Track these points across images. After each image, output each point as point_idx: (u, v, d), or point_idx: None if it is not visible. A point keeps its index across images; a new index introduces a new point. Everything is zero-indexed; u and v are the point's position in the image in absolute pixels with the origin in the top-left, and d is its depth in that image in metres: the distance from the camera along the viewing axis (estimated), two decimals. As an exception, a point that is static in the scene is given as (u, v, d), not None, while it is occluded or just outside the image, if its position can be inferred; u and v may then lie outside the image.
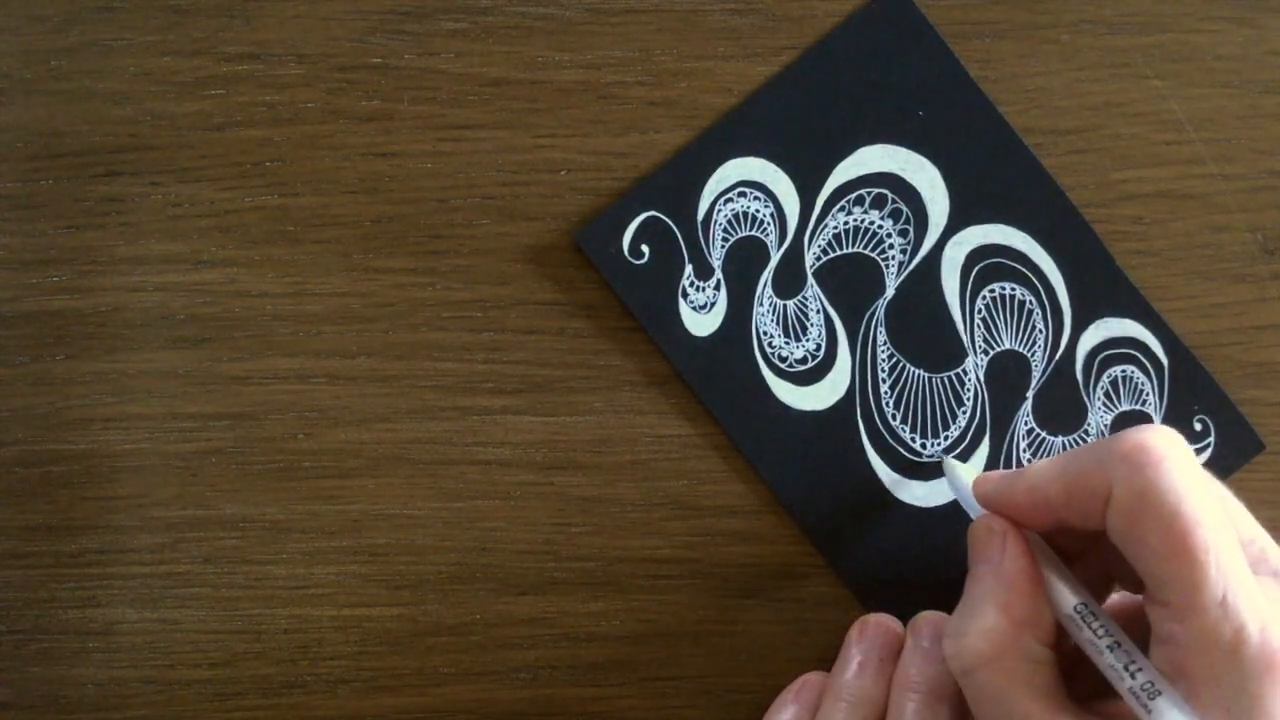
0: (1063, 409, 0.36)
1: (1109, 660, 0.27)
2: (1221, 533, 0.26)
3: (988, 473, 0.32)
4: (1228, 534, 0.26)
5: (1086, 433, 0.36)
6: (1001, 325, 0.36)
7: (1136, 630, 0.28)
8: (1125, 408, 0.36)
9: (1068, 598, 0.29)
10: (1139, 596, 0.31)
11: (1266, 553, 0.28)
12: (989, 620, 0.28)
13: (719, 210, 0.36)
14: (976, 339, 0.36)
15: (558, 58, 0.36)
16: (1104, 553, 0.31)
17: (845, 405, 0.36)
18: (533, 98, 0.36)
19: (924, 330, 0.36)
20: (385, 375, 0.36)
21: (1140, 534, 0.26)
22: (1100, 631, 0.28)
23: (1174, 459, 0.27)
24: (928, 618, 0.34)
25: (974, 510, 0.32)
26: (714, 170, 0.36)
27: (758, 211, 0.36)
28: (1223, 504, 0.28)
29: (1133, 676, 0.27)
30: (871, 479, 0.36)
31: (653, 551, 0.36)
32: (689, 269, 0.36)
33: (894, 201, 0.36)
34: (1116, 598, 0.32)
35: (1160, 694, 0.26)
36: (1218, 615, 0.26)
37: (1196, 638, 0.26)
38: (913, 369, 0.36)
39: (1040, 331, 0.36)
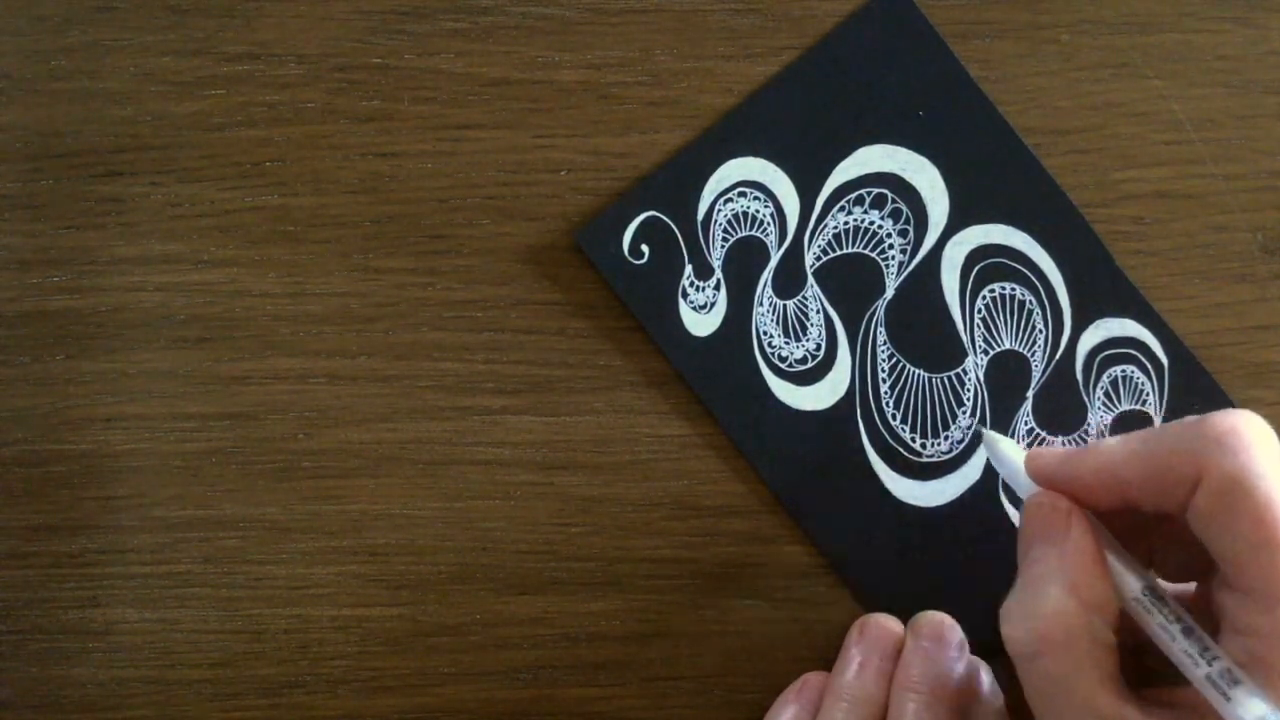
0: (1063, 409, 0.36)
1: (1182, 646, 0.27)
2: None
3: (1041, 449, 0.31)
4: None
5: (1086, 432, 0.36)
6: (1001, 325, 0.36)
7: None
8: (1125, 408, 0.36)
9: (1133, 582, 0.28)
10: (1180, 585, 0.31)
11: None
12: (1058, 602, 0.27)
13: (719, 210, 0.36)
14: (976, 339, 0.36)
15: (558, 58, 0.36)
16: (1149, 539, 0.31)
17: (845, 405, 0.36)
18: (533, 98, 0.36)
19: (924, 330, 0.36)
20: (385, 375, 0.36)
21: (1229, 520, 0.26)
22: (1170, 617, 0.27)
23: (1265, 445, 0.26)
24: (928, 618, 0.34)
25: (1023, 487, 0.31)
26: (714, 170, 0.36)
27: (758, 211, 0.36)
28: None
29: (1209, 664, 0.26)
30: (871, 479, 0.36)
31: (653, 551, 0.36)
32: (689, 269, 0.36)
33: (894, 201, 0.36)
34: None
35: (1239, 682, 0.26)
36: None
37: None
38: (913, 369, 0.36)
39: (1040, 331, 0.36)
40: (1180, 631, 0.27)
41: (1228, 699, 0.25)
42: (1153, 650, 0.28)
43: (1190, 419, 0.28)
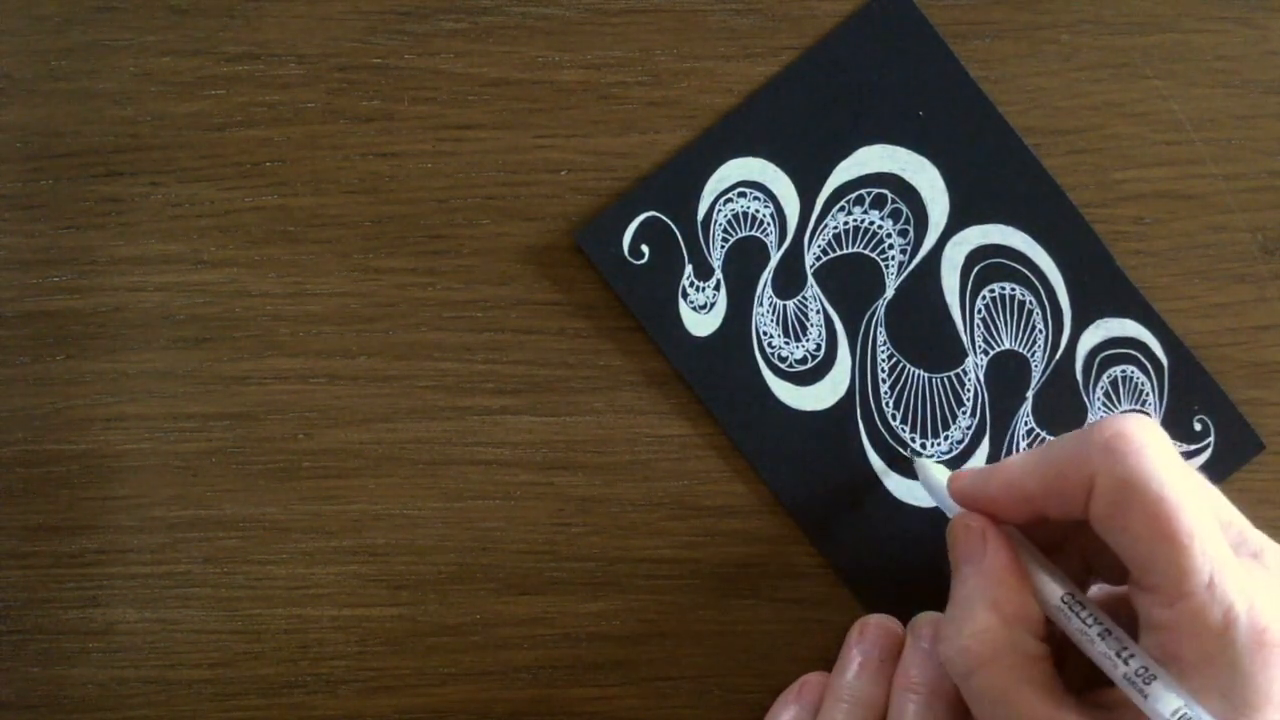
0: (1063, 409, 0.36)
1: (1101, 648, 0.27)
2: (1204, 516, 0.26)
3: (961, 470, 0.32)
4: (1210, 517, 0.26)
5: (1086, 433, 0.36)
6: (1001, 325, 0.36)
7: (1120, 621, 0.28)
8: (1125, 408, 0.36)
9: (1054, 589, 0.29)
10: (1118, 588, 0.31)
11: (1245, 535, 0.28)
12: (981, 621, 0.28)
13: (719, 210, 0.36)
14: (976, 339, 0.36)
15: (558, 58, 0.36)
16: (1081, 545, 0.31)
17: (845, 405, 0.36)
18: (533, 98, 0.36)
19: (924, 330, 0.36)
20: (385, 375, 0.36)
21: (1124, 521, 0.27)
22: (1089, 620, 0.28)
23: (1153, 445, 0.27)
24: (928, 618, 0.34)
25: (951, 510, 0.32)
26: (714, 170, 0.36)
27: (758, 211, 0.36)
28: (1201, 488, 0.28)
29: (1126, 663, 0.27)
30: (871, 479, 0.36)
31: (653, 551, 0.36)
32: (689, 269, 0.36)
33: (894, 201, 0.36)
34: (1095, 590, 0.32)
35: (1155, 678, 0.26)
36: (1205, 598, 0.26)
37: (1186, 621, 0.26)
38: (913, 369, 0.36)
39: (1040, 331, 0.36)
40: (1098, 634, 0.28)
41: (1145, 695, 0.26)
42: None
43: (1083, 428, 0.29)
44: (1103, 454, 0.27)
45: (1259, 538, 0.28)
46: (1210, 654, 0.26)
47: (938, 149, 0.36)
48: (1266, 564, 0.28)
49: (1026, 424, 0.36)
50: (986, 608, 0.28)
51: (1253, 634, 0.25)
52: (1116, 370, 0.36)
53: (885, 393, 0.36)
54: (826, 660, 0.35)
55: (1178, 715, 0.25)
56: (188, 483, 0.35)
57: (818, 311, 0.36)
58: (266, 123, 0.36)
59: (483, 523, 0.36)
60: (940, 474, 0.33)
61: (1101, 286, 0.36)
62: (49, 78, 0.36)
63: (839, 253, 0.36)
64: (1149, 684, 0.26)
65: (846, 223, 0.36)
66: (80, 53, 0.36)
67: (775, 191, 0.36)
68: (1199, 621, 0.26)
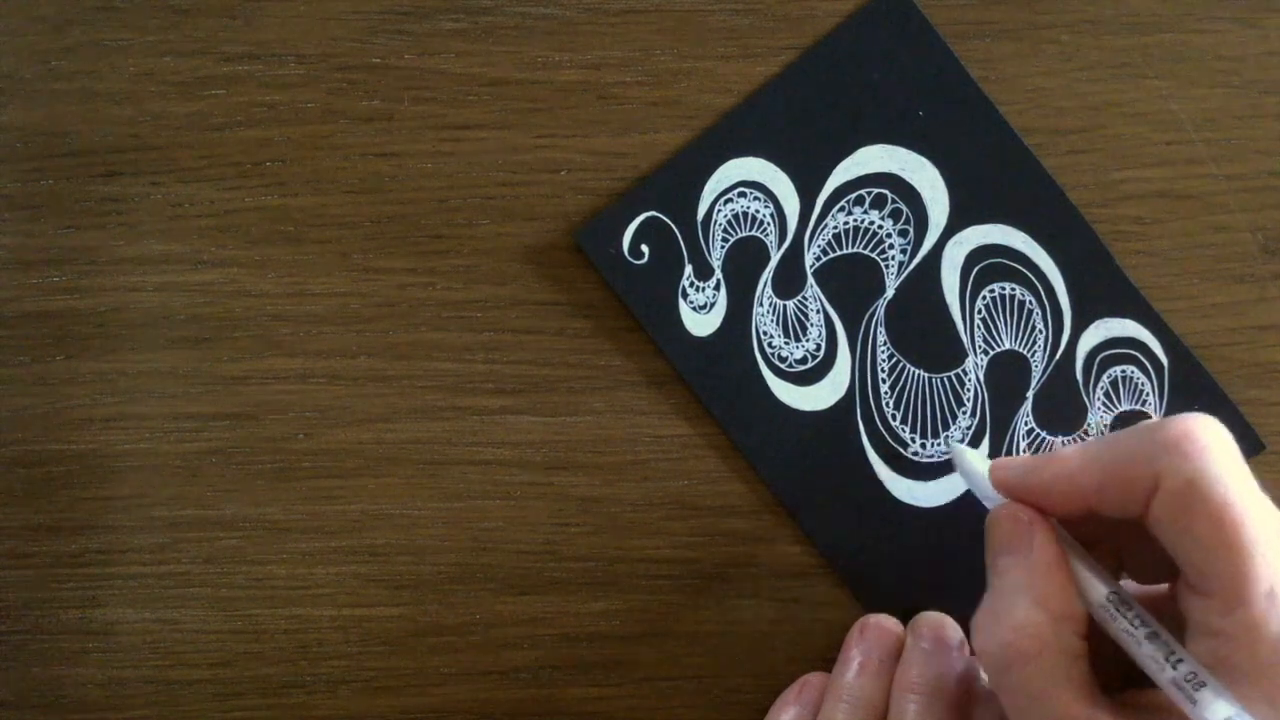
0: (1063, 409, 0.36)
1: (1148, 650, 0.27)
2: (1269, 525, 0.26)
3: (1005, 458, 0.31)
4: (1273, 526, 0.26)
5: (1086, 433, 0.36)
6: (1001, 325, 0.36)
7: (1160, 621, 0.28)
8: (1125, 408, 0.36)
9: (1099, 587, 0.28)
10: (1151, 587, 0.31)
11: None
12: (1026, 615, 0.28)
13: (719, 210, 0.36)
14: (976, 339, 0.36)
15: (558, 58, 0.36)
16: (1117, 542, 0.31)
17: (845, 405, 0.36)
18: (533, 98, 0.36)
19: (924, 330, 0.36)
20: (385, 375, 0.36)
21: (1187, 524, 0.26)
22: (1136, 622, 0.27)
23: (1220, 448, 0.26)
24: (928, 619, 0.34)
25: (989, 499, 0.31)
26: (714, 170, 0.36)
27: (758, 211, 0.36)
28: (1264, 499, 0.27)
29: (1174, 667, 0.26)
30: (871, 479, 0.36)
31: (653, 551, 0.36)
32: (689, 269, 0.36)
33: (894, 201, 0.36)
34: (1129, 587, 0.32)
35: (1205, 685, 0.26)
36: (1265, 607, 0.25)
37: (1242, 630, 0.25)
38: (913, 369, 0.36)
39: (1040, 331, 0.36)
40: (1145, 636, 0.27)
41: (1193, 702, 0.26)
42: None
43: (1146, 424, 0.28)
44: (1170, 454, 0.26)
45: None
46: (1265, 664, 0.25)
47: (938, 149, 0.36)
48: None
49: (1026, 424, 0.36)
50: (1031, 602, 0.28)
51: None
52: (1116, 370, 0.36)
53: (885, 393, 0.36)
54: (826, 660, 0.35)
55: None
56: (188, 483, 0.35)
57: (818, 311, 0.36)
58: (266, 123, 0.36)
59: (483, 523, 0.36)
60: (979, 461, 0.32)
61: (1101, 286, 0.36)
62: (49, 78, 0.36)
63: (839, 253, 0.36)
64: (1198, 690, 0.26)
65: (846, 223, 0.36)
66: (80, 53, 0.36)
67: (775, 191, 0.36)
68: (1257, 632, 0.25)
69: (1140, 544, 0.28)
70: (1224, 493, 0.26)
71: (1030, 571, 0.28)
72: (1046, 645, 0.27)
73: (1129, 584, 0.32)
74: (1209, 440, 0.27)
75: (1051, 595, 0.28)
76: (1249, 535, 0.25)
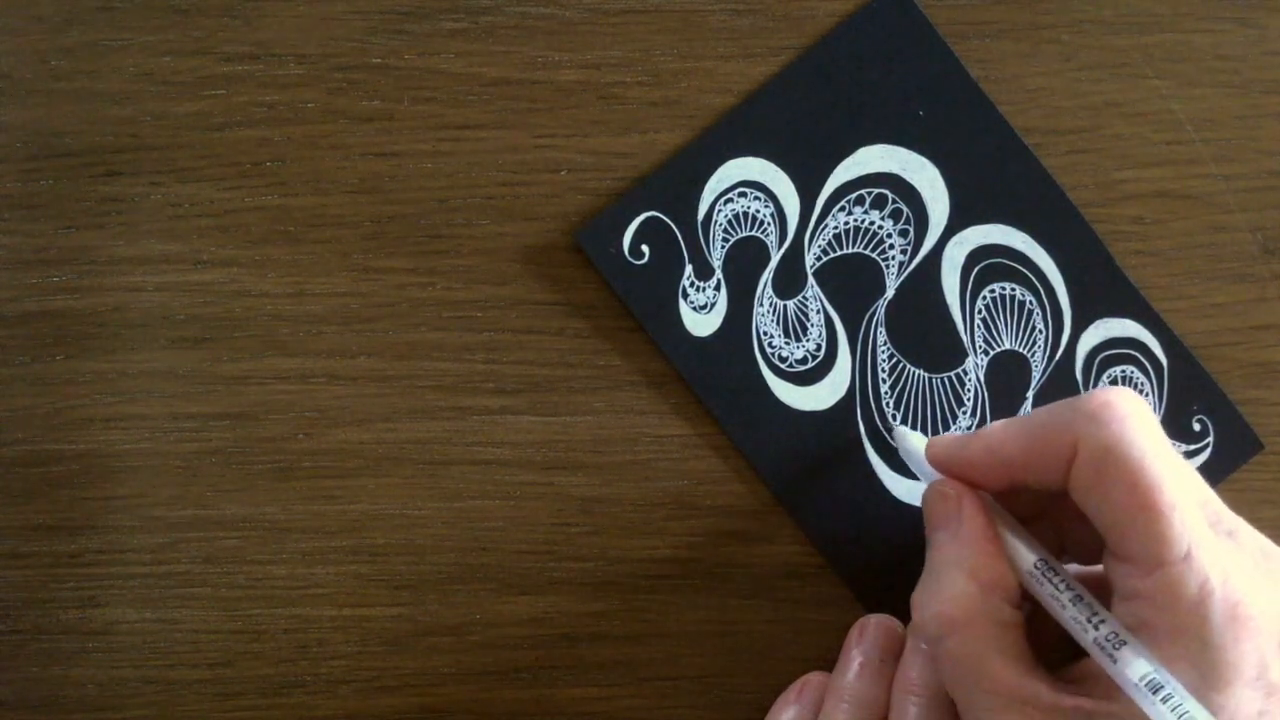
0: (1063, 409, 0.36)
1: (1071, 613, 0.28)
2: (1184, 489, 0.26)
3: (938, 436, 0.32)
4: (1189, 491, 0.27)
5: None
6: (1001, 325, 0.36)
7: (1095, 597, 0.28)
8: (1125, 408, 0.36)
9: (1027, 555, 0.29)
10: (1091, 568, 0.31)
11: (1220, 514, 0.28)
12: (956, 586, 0.28)
13: (719, 210, 0.36)
14: (976, 339, 0.36)
15: (558, 58, 0.36)
16: (1055, 520, 0.32)
17: (845, 405, 0.36)
18: (533, 98, 0.36)
19: (924, 330, 0.36)
20: (385, 375, 0.36)
21: (1105, 490, 0.27)
22: (1061, 586, 0.28)
23: (1137, 416, 0.27)
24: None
25: (928, 477, 0.32)
26: (714, 170, 0.36)
27: (758, 211, 0.36)
28: (1182, 464, 0.28)
29: (1096, 628, 0.27)
30: (871, 479, 0.36)
31: (653, 551, 0.36)
32: (689, 269, 0.36)
33: (894, 201, 0.36)
34: (1071, 570, 0.32)
35: (1125, 643, 0.26)
36: (1182, 569, 0.26)
37: (1161, 591, 0.26)
38: (913, 369, 0.36)
39: (1040, 331, 0.36)
40: (1070, 599, 0.28)
41: (1114, 660, 0.26)
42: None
43: (1069, 398, 0.29)
44: (1087, 421, 0.27)
45: (1233, 518, 0.28)
46: (1183, 625, 0.26)
47: (938, 149, 0.36)
48: (1241, 543, 0.28)
49: (1026, 424, 0.36)
50: (962, 574, 0.29)
51: (1226, 607, 0.26)
52: (1116, 370, 0.36)
53: (885, 393, 0.36)
54: (826, 660, 0.35)
55: (1146, 680, 0.25)
56: (188, 483, 0.35)
57: (818, 311, 0.36)
58: (266, 123, 0.36)
59: (483, 523, 0.36)
60: (919, 441, 0.33)
61: (1101, 286, 0.36)
62: (49, 78, 0.36)
63: (839, 253, 0.36)
64: (1118, 649, 0.26)
65: (847, 223, 0.36)
66: (80, 53, 0.36)
67: (775, 191, 0.36)
68: (1174, 592, 0.26)
69: (1077, 522, 0.29)
70: (1140, 457, 0.26)
71: (960, 544, 0.29)
72: (977, 614, 0.28)
73: (1073, 568, 0.32)
74: (1128, 409, 0.27)
75: (981, 566, 0.29)
76: (1165, 499, 0.26)
